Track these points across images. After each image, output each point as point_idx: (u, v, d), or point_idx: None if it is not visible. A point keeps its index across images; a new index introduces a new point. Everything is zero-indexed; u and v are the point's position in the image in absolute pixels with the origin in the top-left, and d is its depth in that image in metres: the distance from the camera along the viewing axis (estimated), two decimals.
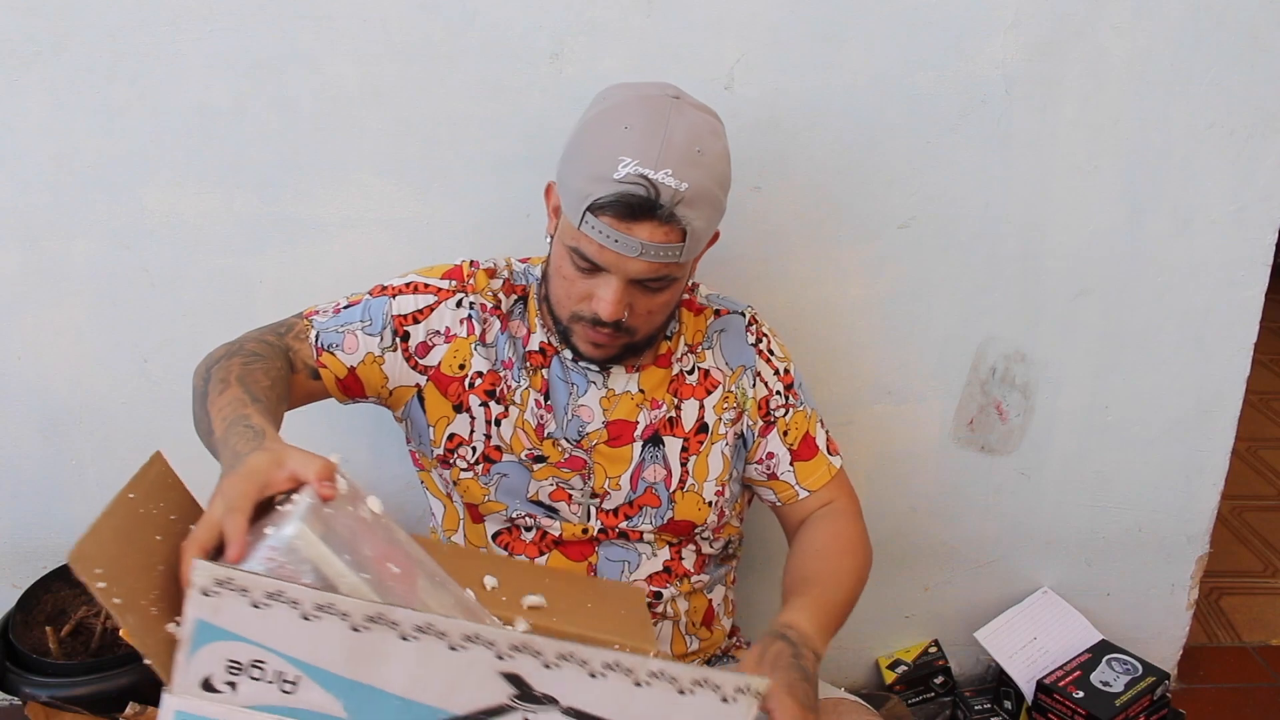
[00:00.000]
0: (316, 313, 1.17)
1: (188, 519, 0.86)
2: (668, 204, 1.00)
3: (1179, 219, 1.55)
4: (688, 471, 1.20)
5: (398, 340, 1.16)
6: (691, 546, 1.24)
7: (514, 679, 0.69)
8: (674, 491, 1.20)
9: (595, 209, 1.02)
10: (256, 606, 0.66)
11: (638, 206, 1.00)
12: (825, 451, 1.26)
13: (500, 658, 0.68)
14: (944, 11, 1.40)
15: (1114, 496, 1.75)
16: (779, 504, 1.26)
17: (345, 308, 1.17)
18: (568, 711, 0.70)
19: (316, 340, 1.14)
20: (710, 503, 1.21)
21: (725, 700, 0.70)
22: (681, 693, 0.70)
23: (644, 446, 1.19)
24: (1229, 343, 1.64)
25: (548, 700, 0.69)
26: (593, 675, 0.69)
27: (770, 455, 1.24)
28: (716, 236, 1.16)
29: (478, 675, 0.68)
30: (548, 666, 0.68)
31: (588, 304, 1.08)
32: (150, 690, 1.38)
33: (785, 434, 1.23)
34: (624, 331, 1.10)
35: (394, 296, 1.16)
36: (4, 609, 1.51)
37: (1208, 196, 1.54)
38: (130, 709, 1.38)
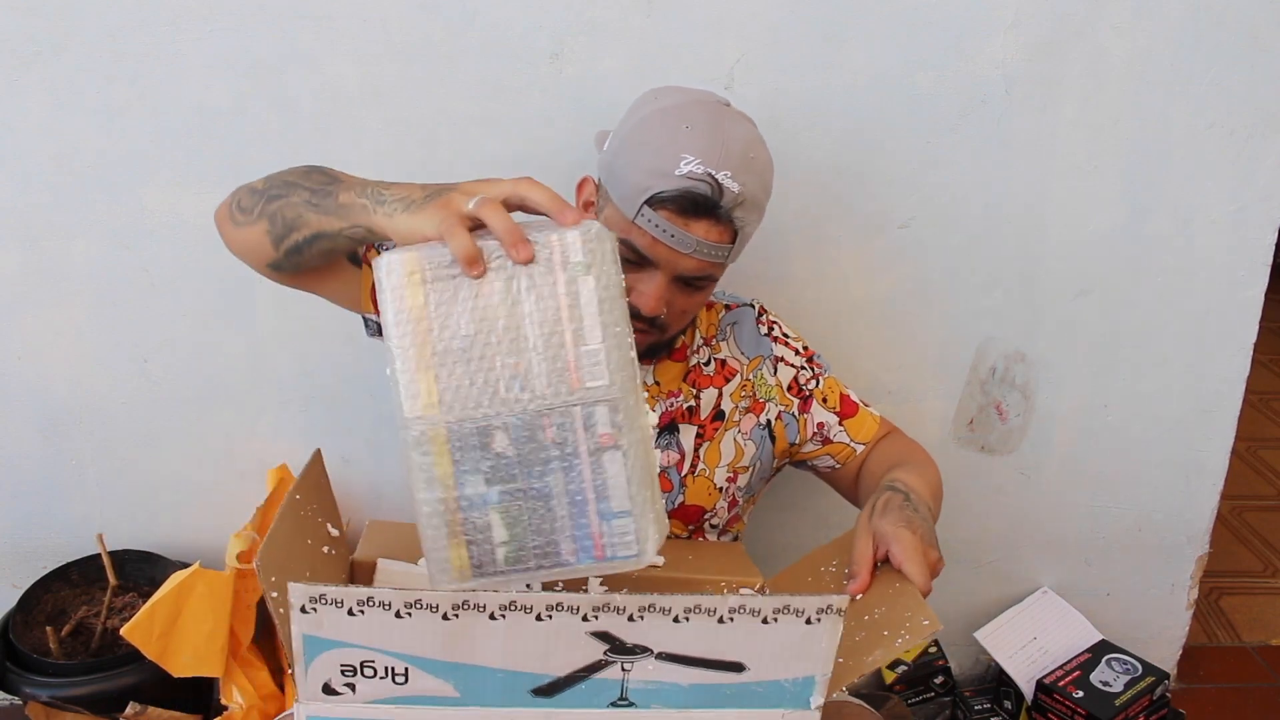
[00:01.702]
0: None
1: (329, 519, 0.97)
2: (728, 204, 1.02)
3: (1179, 219, 1.55)
4: (699, 456, 1.21)
5: None
6: (699, 540, 1.24)
7: (603, 636, 0.72)
8: (685, 475, 1.20)
9: (655, 202, 1.02)
10: (352, 614, 0.70)
11: (701, 203, 1.02)
12: (862, 405, 1.28)
13: (586, 619, 0.71)
14: (944, 11, 1.40)
15: (1114, 496, 1.75)
16: (838, 466, 1.27)
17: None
18: (661, 656, 0.73)
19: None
20: (720, 488, 1.22)
21: (809, 622, 0.72)
22: (765, 622, 0.72)
23: (659, 433, 1.20)
24: (1229, 343, 1.64)
25: (640, 650, 0.73)
26: (676, 620, 0.71)
27: (821, 425, 1.26)
28: None
29: (568, 639, 0.71)
30: (632, 620, 0.71)
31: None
32: (150, 690, 1.39)
33: (825, 400, 1.26)
34: (656, 328, 1.11)
35: None
36: (4, 609, 1.51)
37: (1208, 196, 1.54)
38: (130, 709, 1.38)
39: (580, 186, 1.15)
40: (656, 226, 1.03)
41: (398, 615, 0.70)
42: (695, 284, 1.09)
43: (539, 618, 0.70)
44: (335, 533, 0.97)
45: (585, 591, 0.87)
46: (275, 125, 1.38)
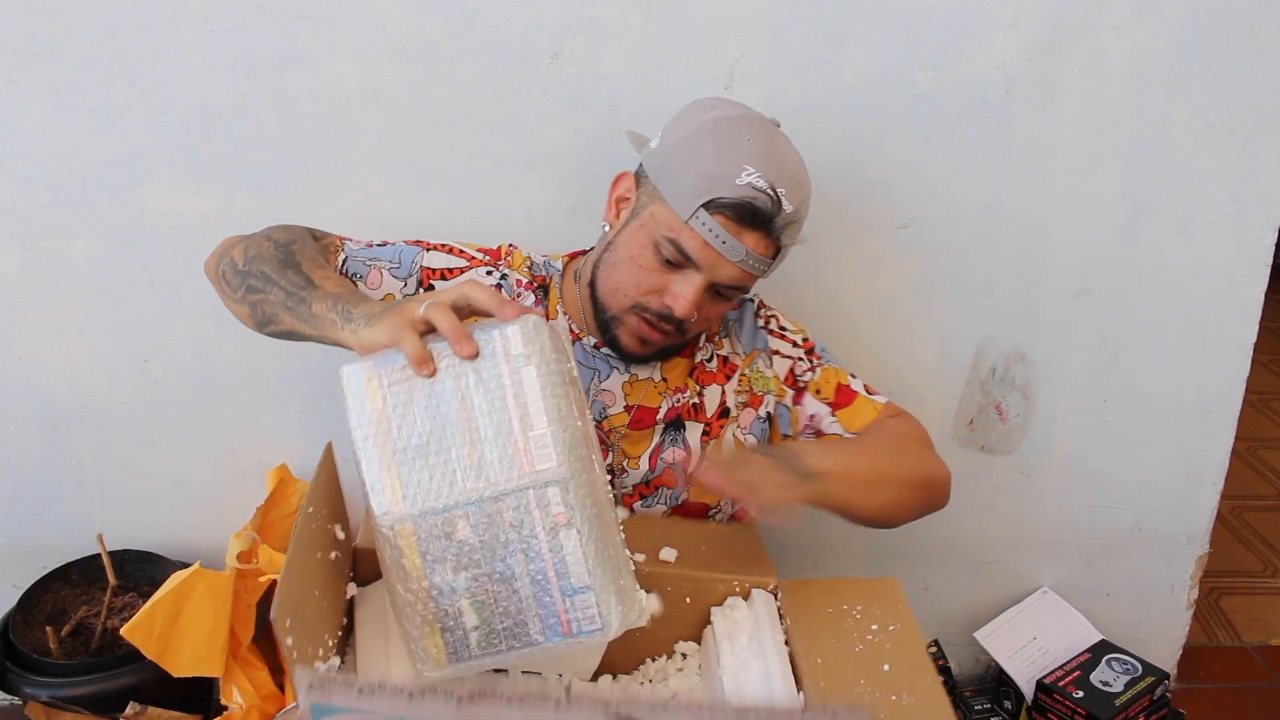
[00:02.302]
0: (348, 240, 1.16)
1: (337, 520, 0.96)
2: (781, 221, 1.04)
3: (1179, 219, 1.55)
4: (704, 455, 1.21)
5: (421, 292, 1.15)
6: (714, 524, 1.24)
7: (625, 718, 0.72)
8: (691, 473, 1.20)
9: (714, 207, 1.03)
10: (363, 693, 0.70)
11: (759, 215, 1.03)
12: (865, 394, 1.24)
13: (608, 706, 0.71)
14: (944, 11, 1.40)
15: (1114, 496, 1.75)
16: None
17: (378, 245, 1.16)
18: None
19: (343, 265, 1.13)
20: None
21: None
22: None
23: (665, 429, 1.20)
24: (1229, 343, 1.64)
25: None
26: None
27: (812, 417, 1.24)
28: None
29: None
30: (654, 709, 0.72)
31: (656, 297, 1.08)
32: (150, 690, 1.39)
33: (818, 392, 1.24)
34: (679, 332, 1.11)
35: (428, 250, 1.17)
36: (4, 609, 1.51)
37: (1208, 196, 1.54)
38: (130, 709, 1.38)
39: (615, 182, 1.16)
40: (710, 231, 1.03)
41: (410, 698, 0.70)
42: (726, 293, 1.09)
43: (558, 703, 0.70)
44: (341, 535, 0.97)
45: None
46: (275, 125, 1.38)
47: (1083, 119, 1.48)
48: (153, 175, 1.39)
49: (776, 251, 1.08)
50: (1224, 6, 1.43)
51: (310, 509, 0.89)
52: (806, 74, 1.41)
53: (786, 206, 1.04)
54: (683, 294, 1.06)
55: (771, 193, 1.03)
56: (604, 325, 1.14)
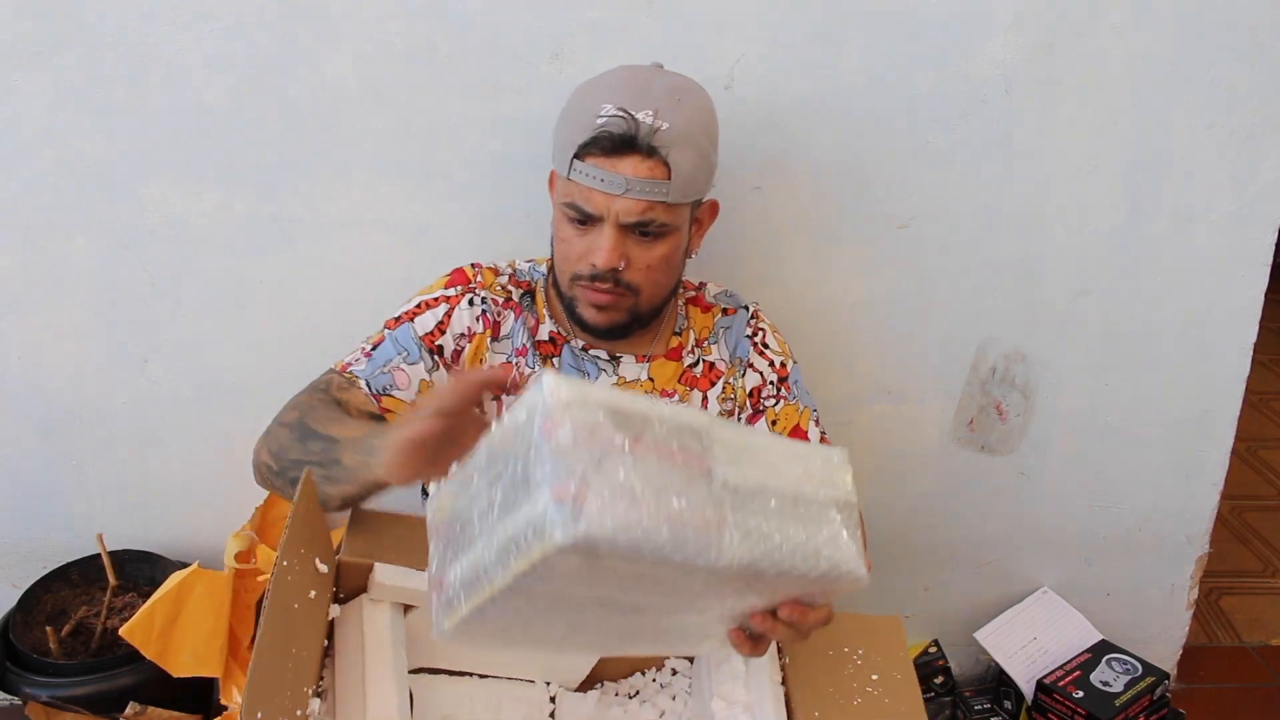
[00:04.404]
0: (349, 365, 1.15)
1: (317, 553, 0.89)
2: (647, 136, 1.04)
3: (1179, 219, 1.55)
4: None
5: (435, 358, 1.16)
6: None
7: None
8: None
9: (581, 153, 1.06)
10: None
11: (619, 139, 1.04)
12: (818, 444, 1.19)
13: None
14: (944, 11, 1.40)
15: (1114, 496, 1.75)
16: None
17: (374, 350, 1.15)
18: None
19: (369, 388, 1.13)
20: None
21: None
22: None
23: None
24: (1229, 343, 1.64)
25: None
26: None
27: None
28: (716, 209, 1.19)
29: None
30: None
31: (584, 261, 1.10)
32: (150, 690, 1.39)
33: (774, 423, 1.21)
34: (624, 288, 1.11)
35: (412, 320, 1.17)
36: (4, 609, 1.51)
37: (1208, 196, 1.54)
38: (130, 709, 1.38)
39: (550, 182, 1.18)
40: (587, 175, 1.06)
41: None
42: (646, 232, 1.09)
43: None
44: (324, 569, 0.91)
45: None
46: (275, 125, 1.38)
47: (1083, 119, 1.48)
48: (153, 175, 1.39)
49: (668, 171, 1.06)
50: (1224, 6, 1.43)
51: (285, 562, 0.82)
52: (806, 74, 1.41)
53: (645, 119, 1.04)
54: (599, 247, 1.08)
55: (625, 114, 1.04)
56: (569, 310, 1.15)
